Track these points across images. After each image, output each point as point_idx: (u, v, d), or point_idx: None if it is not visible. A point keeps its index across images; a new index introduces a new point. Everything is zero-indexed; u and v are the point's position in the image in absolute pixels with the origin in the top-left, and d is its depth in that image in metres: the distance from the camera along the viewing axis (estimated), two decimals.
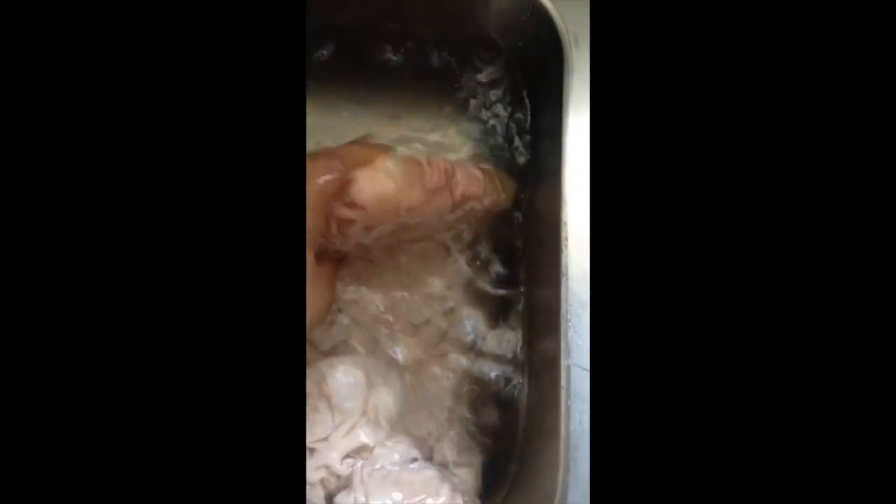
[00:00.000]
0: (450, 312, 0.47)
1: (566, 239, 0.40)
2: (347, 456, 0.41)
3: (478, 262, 0.49)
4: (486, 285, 0.49)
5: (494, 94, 0.51)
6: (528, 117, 0.50)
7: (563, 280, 0.39)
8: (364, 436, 0.42)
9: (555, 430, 0.38)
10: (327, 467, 0.41)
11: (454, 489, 0.41)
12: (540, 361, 0.44)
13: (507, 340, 0.48)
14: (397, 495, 0.40)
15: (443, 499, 0.39)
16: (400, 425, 0.44)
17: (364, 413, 0.42)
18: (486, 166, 0.46)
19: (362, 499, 0.40)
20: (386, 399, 0.43)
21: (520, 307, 0.48)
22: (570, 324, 0.39)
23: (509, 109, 0.51)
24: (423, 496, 0.40)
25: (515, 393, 0.46)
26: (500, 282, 0.48)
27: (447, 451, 0.44)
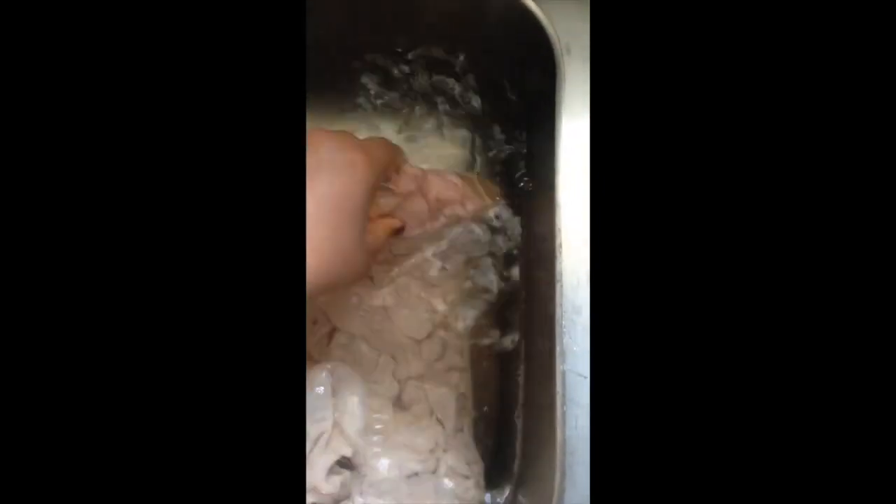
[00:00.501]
0: (449, 325, 0.47)
1: (560, 245, 0.40)
2: (331, 472, 0.41)
3: (475, 273, 0.49)
4: (484, 295, 0.49)
5: (488, 103, 0.52)
6: (523, 125, 0.51)
7: (558, 286, 0.40)
8: (343, 447, 0.42)
9: (552, 436, 0.38)
10: (314, 489, 0.41)
11: (456, 498, 0.41)
12: (537, 368, 0.44)
13: (506, 349, 0.48)
14: None
15: None
16: (399, 438, 0.44)
17: (336, 424, 0.42)
18: (468, 174, 0.47)
19: None
20: (352, 407, 0.42)
21: (517, 315, 0.48)
22: (565, 330, 0.39)
23: (503, 118, 0.51)
24: None
25: (514, 399, 0.46)
26: (498, 291, 0.49)
27: (452, 462, 0.44)
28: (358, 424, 0.42)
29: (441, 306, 0.47)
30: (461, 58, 0.50)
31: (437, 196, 0.44)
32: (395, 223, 0.41)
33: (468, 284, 0.49)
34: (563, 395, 0.38)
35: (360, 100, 0.52)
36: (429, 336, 0.46)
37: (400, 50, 0.51)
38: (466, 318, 0.48)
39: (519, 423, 0.45)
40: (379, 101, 0.52)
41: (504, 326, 0.49)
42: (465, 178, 0.46)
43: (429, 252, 0.47)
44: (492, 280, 0.49)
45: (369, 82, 0.51)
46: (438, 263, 0.48)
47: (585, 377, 0.38)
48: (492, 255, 0.49)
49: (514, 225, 0.50)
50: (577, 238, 0.41)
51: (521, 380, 0.47)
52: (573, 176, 0.41)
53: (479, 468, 0.44)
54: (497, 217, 0.49)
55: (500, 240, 0.49)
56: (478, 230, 0.48)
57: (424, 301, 0.47)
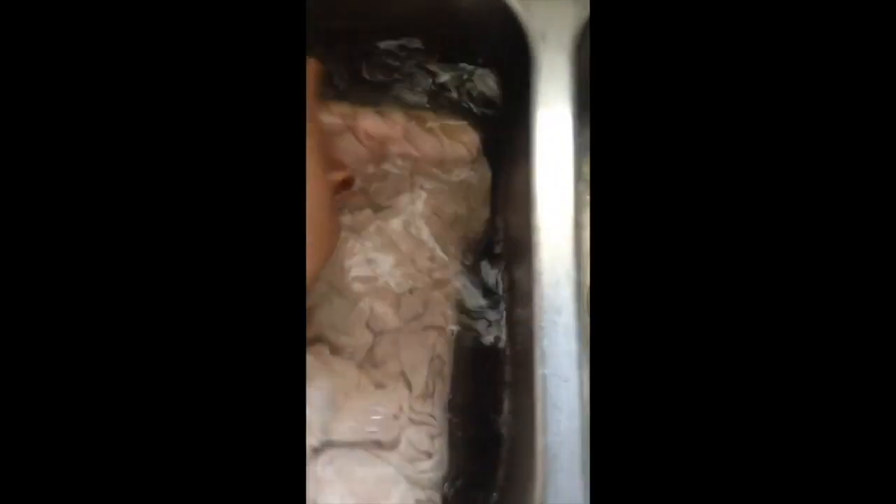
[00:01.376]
0: (434, 282, 0.45)
1: (538, 244, 0.39)
2: None
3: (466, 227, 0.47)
4: (466, 294, 0.47)
5: (465, 94, 0.50)
6: (500, 115, 0.49)
7: (536, 286, 0.38)
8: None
9: (532, 442, 0.36)
10: None
11: (411, 486, 0.39)
12: (517, 370, 0.42)
13: (487, 343, 0.46)
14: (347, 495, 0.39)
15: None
16: (363, 402, 0.42)
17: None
18: (422, 112, 0.46)
19: (312, 492, 0.39)
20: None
21: (500, 319, 0.46)
22: (544, 331, 0.37)
23: (480, 109, 0.49)
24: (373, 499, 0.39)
25: (499, 404, 0.45)
26: (481, 289, 0.47)
27: (414, 437, 0.41)
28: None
29: (425, 262, 0.45)
30: (435, 48, 0.49)
31: (367, 131, 0.42)
32: (339, 175, 0.39)
33: (459, 239, 0.47)
34: (544, 400, 0.36)
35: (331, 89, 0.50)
36: (410, 291, 0.44)
37: (371, 39, 0.49)
38: (454, 276, 0.46)
39: (503, 429, 0.43)
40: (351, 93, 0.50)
41: (486, 317, 0.47)
42: (416, 116, 0.45)
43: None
44: (476, 280, 0.47)
45: (340, 74, 0.49)
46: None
47: (566, 380, 0.36)
48: (477, 252, 0.47)
49: (498, 223, 0.48)
50: (557, 233, 0.39)
51: (506, 382, 0.45)
52: (550, 170, 0.40)
53: (442, 442, 0.42)
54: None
55: (485, 237, 0.48)
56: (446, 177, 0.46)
57: (409, 254, 0.45)
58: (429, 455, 0.41)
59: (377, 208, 0.46)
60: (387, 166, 0.46)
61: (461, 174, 0.47)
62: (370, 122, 0.44)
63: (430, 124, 0.46)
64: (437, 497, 0.41)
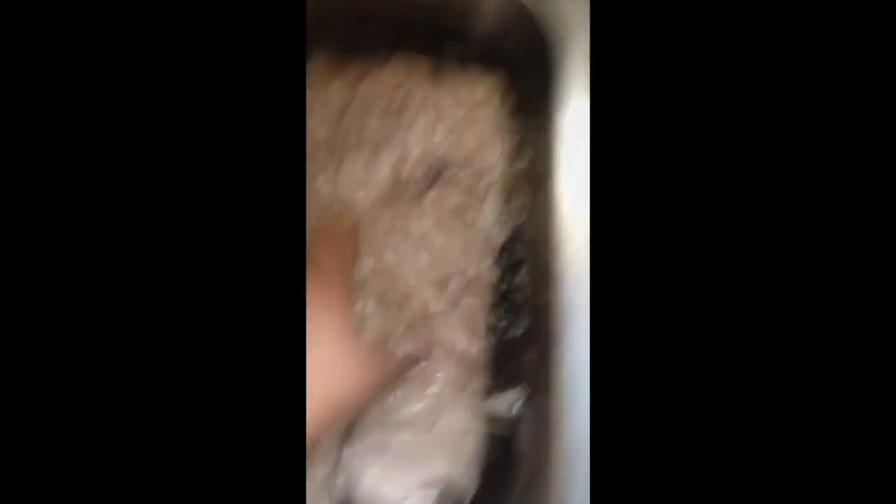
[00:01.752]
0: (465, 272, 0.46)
1: (559, 245, 0.39)
2: None
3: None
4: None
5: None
6: (519, 122, 0.49)
7: (553, 293, 0.38)
8: None
9: (553, 446, 0.37)
10: None
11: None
12: (534, 378, 0.42)
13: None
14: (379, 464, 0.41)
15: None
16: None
17: None
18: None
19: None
20: None
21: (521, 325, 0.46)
22: (559, 339, 0.37)
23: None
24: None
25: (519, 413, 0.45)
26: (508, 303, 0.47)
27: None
28: None
29: (455, 254, 0.46)
30: (455, 55, 0.49)
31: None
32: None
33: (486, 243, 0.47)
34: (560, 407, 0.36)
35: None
36: (444, 281, 0.45)
37: (389, 46, 0.49)
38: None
39: (524, 435, 0.44)
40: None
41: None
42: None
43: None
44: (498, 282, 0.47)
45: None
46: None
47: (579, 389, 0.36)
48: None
49: (517, 220, 0.48)
50: (580, 234, 0.39)
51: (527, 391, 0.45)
52: (572, 176, 0.39)
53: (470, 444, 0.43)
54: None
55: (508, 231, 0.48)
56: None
57: (442, 245, 0.46)
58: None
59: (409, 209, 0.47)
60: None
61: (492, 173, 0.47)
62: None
63: (451, 79, 0.48)
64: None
